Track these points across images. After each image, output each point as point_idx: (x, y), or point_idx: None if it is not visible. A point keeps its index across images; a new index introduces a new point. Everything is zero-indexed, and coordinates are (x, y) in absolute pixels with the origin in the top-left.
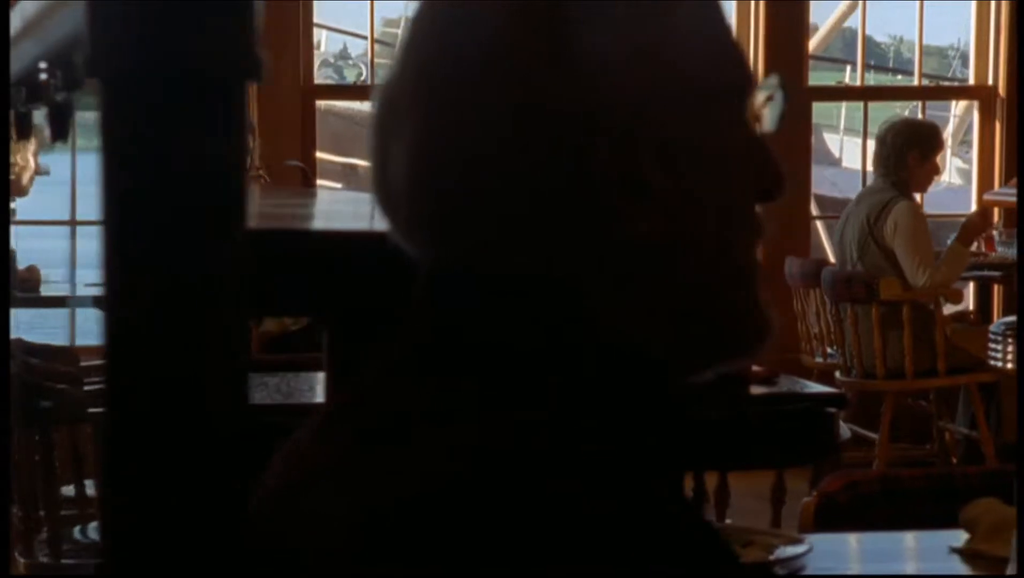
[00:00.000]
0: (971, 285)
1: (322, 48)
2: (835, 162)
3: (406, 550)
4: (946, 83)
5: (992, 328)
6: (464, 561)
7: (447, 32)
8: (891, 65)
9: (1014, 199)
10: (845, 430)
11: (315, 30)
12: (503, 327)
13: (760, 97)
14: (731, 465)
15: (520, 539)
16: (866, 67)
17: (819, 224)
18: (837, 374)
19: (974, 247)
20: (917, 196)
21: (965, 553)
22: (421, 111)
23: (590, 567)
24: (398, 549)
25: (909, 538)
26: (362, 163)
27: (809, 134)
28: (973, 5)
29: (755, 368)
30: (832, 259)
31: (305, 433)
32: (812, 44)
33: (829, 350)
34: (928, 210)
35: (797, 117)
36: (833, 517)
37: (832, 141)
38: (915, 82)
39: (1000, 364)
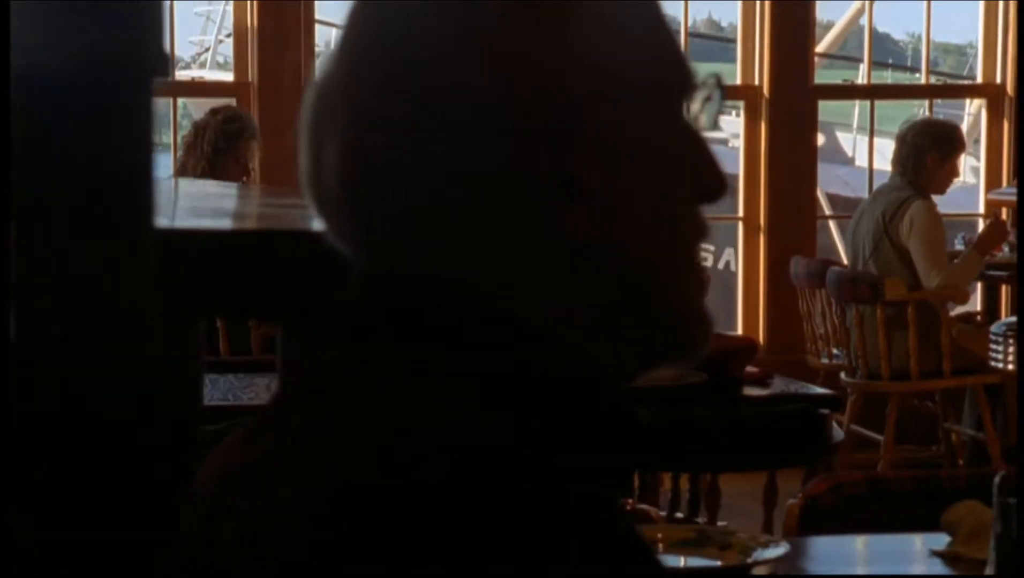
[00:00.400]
0: (979, 286)
1: (331, 46)
2: (848, 161)
3: (339, 548)
4: (963, 81)
5: (993, 329)
6: (399, 556)
7: (381, 31)
8: (908, 64)
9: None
10: (839, 431)
11: (320, 28)
12: (437, 327)
13: (699, 96)
14: (723, 466)
15: (449, 533)
16: (884, 65)
17: (832, 223)
18: (842, 375)
19: None
20: (934, 196)
21: (946, 556)
22: (353, 110)
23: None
24: (332, 547)
25: (890, 541)
26: None
27: (815, 133)
28: (981, 4)
29: (749, 369)
30: (844, 259)
31: (239, 434)
32: (826, 42)
33: (835, 351)
34: (942, 209)
35: (803, 116)
36: (818, 519)
37: (845, 140)
38: (943, 80)
39: (1001, 365)
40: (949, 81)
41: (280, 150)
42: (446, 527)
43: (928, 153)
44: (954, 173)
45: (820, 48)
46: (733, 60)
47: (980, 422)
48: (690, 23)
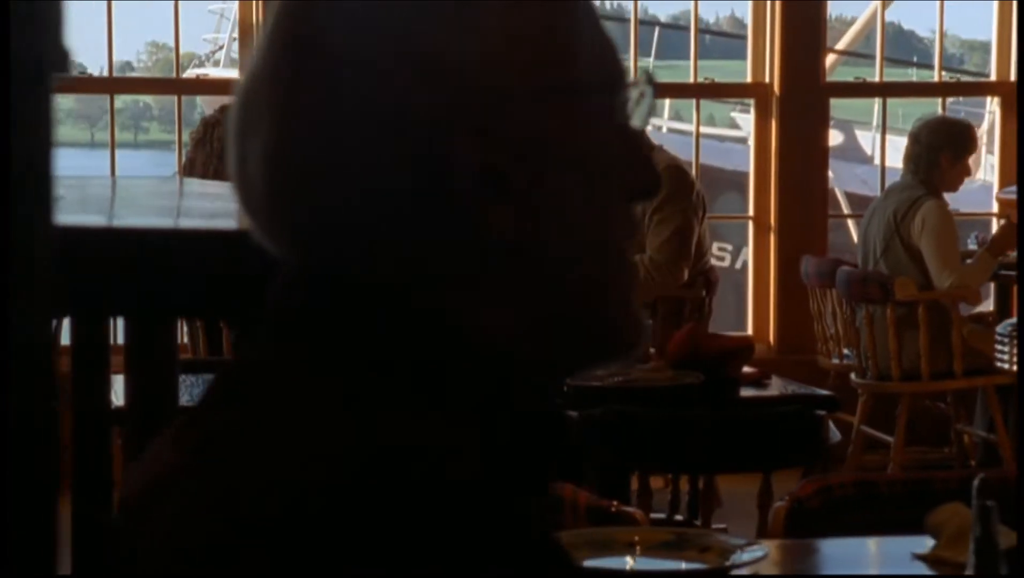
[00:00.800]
0: (991, 286)
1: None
2: (867, 160)
3: (261, 553)
4: (982, 79)
5: (998, 329)
6: (316, 562)
7: (306, 28)
8: (933, 61)
9: None
10: (835, 433)
11: None
12: (357, 328)
13: (631, 94)
14: (717, 468)
15: (352, 538)
16: (908, 63)
17: (850, 223)
18: (852, 376)
19: None
20: (946, 195)
21: (928, 559)
22: (277, 108)
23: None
24: (253, 552)
25: (873, 544)
26: None
27: (826, 130)
28: (995, 2)
29: (747, 369)
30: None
31: (168, 435)
32: (847, 39)
33: (845, 351)
34: (962, 208)
35: (814, 113)
36: (805, 522)
37: (864, 139)
38: (955, 78)
39: (1007, 365)
40: (969, 79)
41: None
42: (347, 532)
43: (942, 152)
44: (966, 172)
45: (841, 45)
46: None
47: (992, 423)
48: (713, 20)
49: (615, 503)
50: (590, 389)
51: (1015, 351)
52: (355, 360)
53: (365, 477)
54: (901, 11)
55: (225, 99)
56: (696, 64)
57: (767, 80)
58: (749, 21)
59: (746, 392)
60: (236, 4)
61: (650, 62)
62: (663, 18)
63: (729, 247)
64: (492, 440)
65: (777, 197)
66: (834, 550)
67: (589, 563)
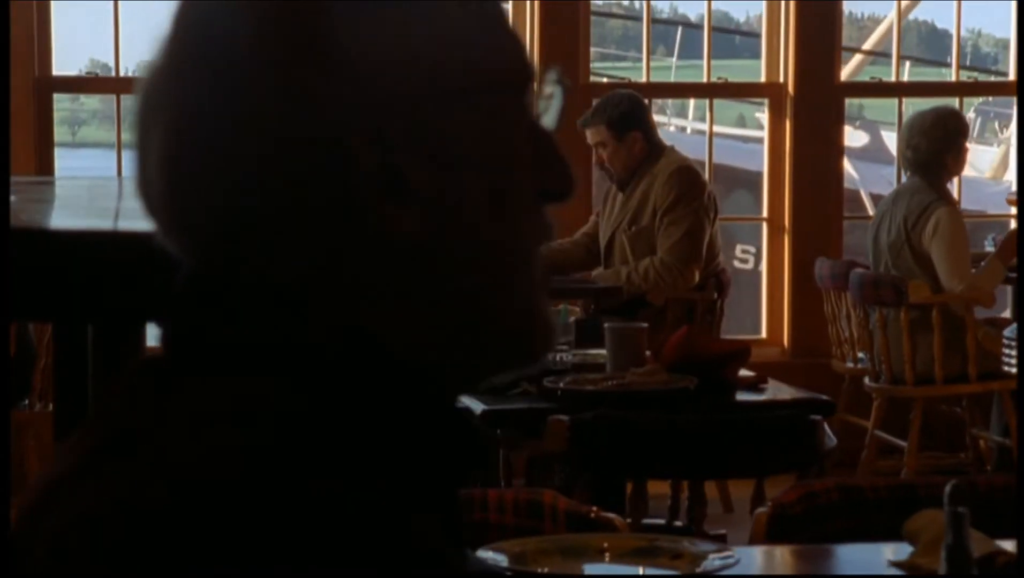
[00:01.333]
0: (1008, 289)
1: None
2: (893, 161)
3: (150, 554)
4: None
5: (1006, 333)
6: (201, 562)
7: (204, 26)
8: (968, 62)
9: None
10: (831, 438)
11: None
12: (259, 332)
13: (541, 92)
14: (710, 473)
15: (249, 542)
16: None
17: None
18: (866, 380)
19: None
20: (968, 196)
21: (904, 566)
22: (174, 109)
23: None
24: (141, 554)
25: (851, 550)
26: None
27: (840, 129)
28: (1014, 1)
29: (744, 373)
30: None
31: (72, 439)
32: (875, 38)
33: (860, 355)
34: (975, 207)
35: (829, 113)
36: (788, 528)
37: (890, 140)
38: (973, 77)
39: (1014, 369)
40: (994, 78)
41: None
42: (231, 535)
43: (946, 154)
44: (965, 158)
45: (868, 45)
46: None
47: (1008, 428)
48: (743, 20)
49: (595, 509)
50: (583, 393)
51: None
52: (249, 363)
53: (247, 482)
54: (935, 10)
55: None
56: (709, 64)
57: (781, 80)
58: (763, 20)
59: (742, 396)
60: None
61: (673, 61)
62: (692, 17)
63: (752, 249)
64: (392, 445)
65: (791, 198)
66: (811, 556)
67: (552, 570)
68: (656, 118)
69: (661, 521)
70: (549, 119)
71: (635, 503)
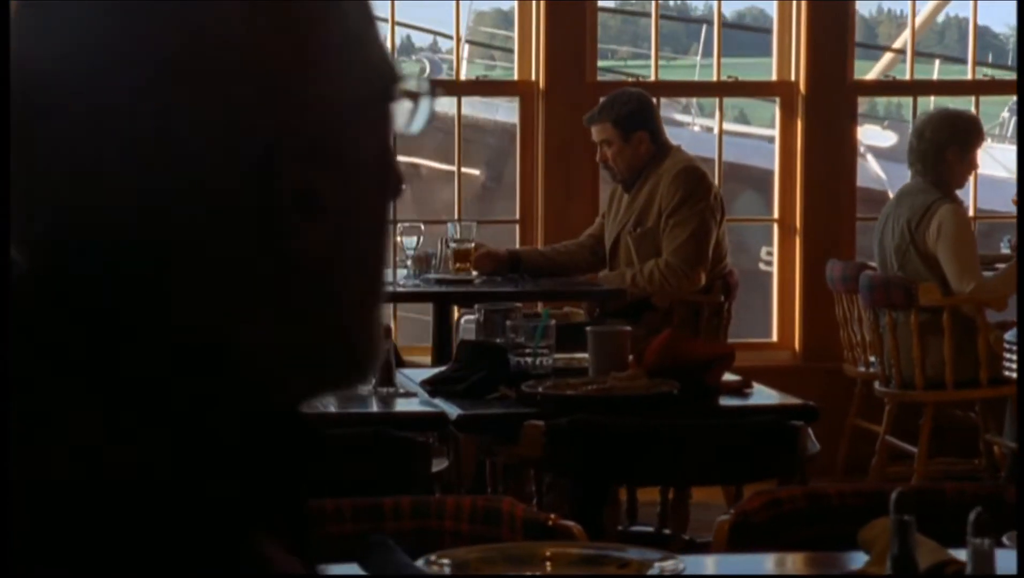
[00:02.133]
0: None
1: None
2: None
3: None
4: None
5: (1007, 336)
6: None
7: (90, 28)
8: (1009, 61)
9: None
10: (815, 444)
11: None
12: (96, 342)
13: (408, 98)
14: (686, 480)
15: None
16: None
17: None
18: (876, 384)
19: None
20: (959, 193)
21: (856, 576)
22: (65, 112)
23: None
24: None
25: (808, 559)
26: (425, 162)
27: (854, 129)
28: None
29: (728, 378)
30: None
31: None
32: (905, 37)
33: (872, 359)
34: (993, 208)
35: (841, 112)
36: (752, 536)
37: None
38: (989, 76)
39: (1015, 374)
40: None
41: None
42: (43, 541)
43: (947, 148)
44: (974, 166)
45: (899, 44)
46: None
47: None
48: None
49: (553, 517)
50: (562, 398)
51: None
52: (78, 383)
53: (64, 490)
54: (969, 7)
55: None
56: (719, 62)
57: (792, 78)
58: (774, 17)
59: (726, 401)
60: None
61: (696, 60)
62: (729, 16)
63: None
64: (227, 469)
65: (803, 198)
66: (762, 565)
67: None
68: (679, 117)
69: (650, 529)
70: (416, 125)
71: (611, 509)
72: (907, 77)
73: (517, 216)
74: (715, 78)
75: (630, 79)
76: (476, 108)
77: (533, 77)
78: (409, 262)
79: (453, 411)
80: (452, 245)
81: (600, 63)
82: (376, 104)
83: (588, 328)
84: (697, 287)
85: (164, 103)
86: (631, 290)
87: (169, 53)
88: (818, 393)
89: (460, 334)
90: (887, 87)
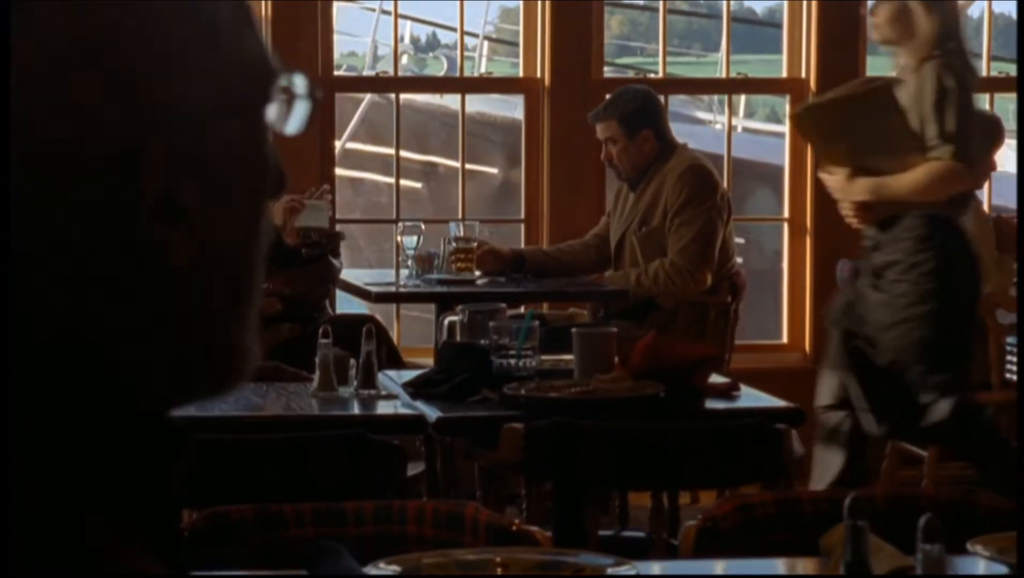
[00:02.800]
0: None
1: (406, 39)
2: None
3: None
4: None
5: (1009, 339)
6: None
7: None
8: None
9: None
10: (799, 447)
11: (339, 17)
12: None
13: (285, 98)
14: (667, 484)
15: None
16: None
17: None
18: None
19: None
20: (984, 190)
21: None
22: None
23: None
24: None
25: (768, 565)
26: (443, 161)
27: None
28: None
29: (715, 380)
30: None
31: None
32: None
33: None
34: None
35: None
36: (721, 542)
37: None
38: (1005, 72)
39: (1016, 377)
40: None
41: (297, 144)
42: None
43: None
44: (992, 167)
45: None
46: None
47: None
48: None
49: (516, 522)
50: (545, 400)
51: None
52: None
53: None
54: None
55: None
56: (728, 58)
57: (803, 75)
58: (784, 14)
59: (712, 404)
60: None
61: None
62: (760, 12)
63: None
64: (85, 462)
65: (813, 197)
66: (720, 571)
67: None
68: (702, 115)
69: (641, 534)
70: (293, 126)
71: (594, 514)
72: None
73: (522, 215)
74: (724, 74)
75: (636, 75)
76: (495, 106)
77: (538, 74)
78: (411, 262)
79: (433, 414)
80: (454, 244)
81: (630, 60)
82: (248, 106)
83: (574, 330)
84: (703, 288)
85: (28, 104)
86: (635, 290)
87: (29, 55)
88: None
89: (443, 335)
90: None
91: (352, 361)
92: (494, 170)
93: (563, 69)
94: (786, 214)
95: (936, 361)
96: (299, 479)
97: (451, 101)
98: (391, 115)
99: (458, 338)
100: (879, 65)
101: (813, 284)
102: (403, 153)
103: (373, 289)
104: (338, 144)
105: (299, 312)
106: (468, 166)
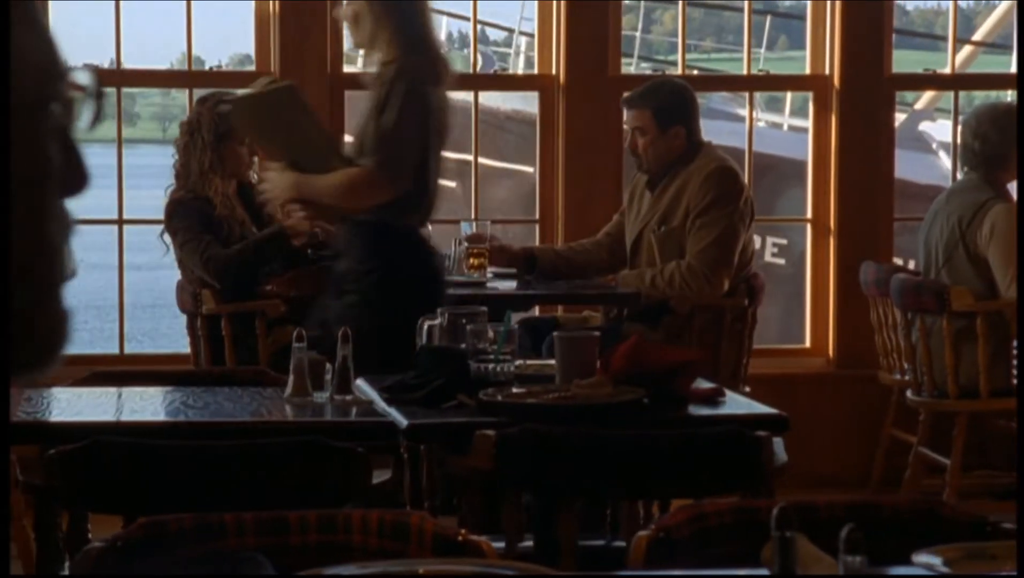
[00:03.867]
0: None
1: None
2: None
3: None
4: None
5: (1016, 345)
6: None
7: None
8: None
9: None
10: (782, 455)
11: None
12: None
13: (78, 96)
14: (638, 493)
15: None
16: None
17: None
18: (908, 393)
19: None
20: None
21: None
22: None
23: None
24: None
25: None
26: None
27: (892, 123)
28: None
29: (700, 386)
30: None
31: None
32: (985, 29)
33: (906, 366)
34: None
35: (878, 107)
36: (673, 553)
37: None
38: None
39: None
40: None
41: None
42: None
43: (1012, 147)
44: None
45: (979, 36)
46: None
47: None
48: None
49: (463, 532)
50: (522, 406)
51: None
52: None
53: None
54: None
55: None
56: (750, 55)
57: (826, 72)
58: (808, 7)
59: (694, 410)
60: None
61: (761, 52)
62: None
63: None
64: None
65: (837, 197)
66: None
67: None
68: (740, 112)
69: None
70: (83, 123)
71: (568, 523)
72: (947, 70)
73: (537, 215)
74: (745, 71)
75: (656, 72)
76: (531, 104)
77: (553, 71)
78: None
79: (404, 420)
80: (466, 245)
81: (683, 56)
82: (33, 106)
83: (555, 333)
84: (719, 293)
85: None
86: (648, 292)
87: None
88: (852, 402)
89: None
90: (926, 80)
91: (329, 366)
92: (530, 169)
93: (579, 66)
94: (809, 214)
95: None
96: (255, 487)
97: (489, 99)
98: None
99: (437, 342)
100: (908, 60)
101: (837, 287)
102: None
103: None
104: None
105: (305, 315)
106: (505, 165)
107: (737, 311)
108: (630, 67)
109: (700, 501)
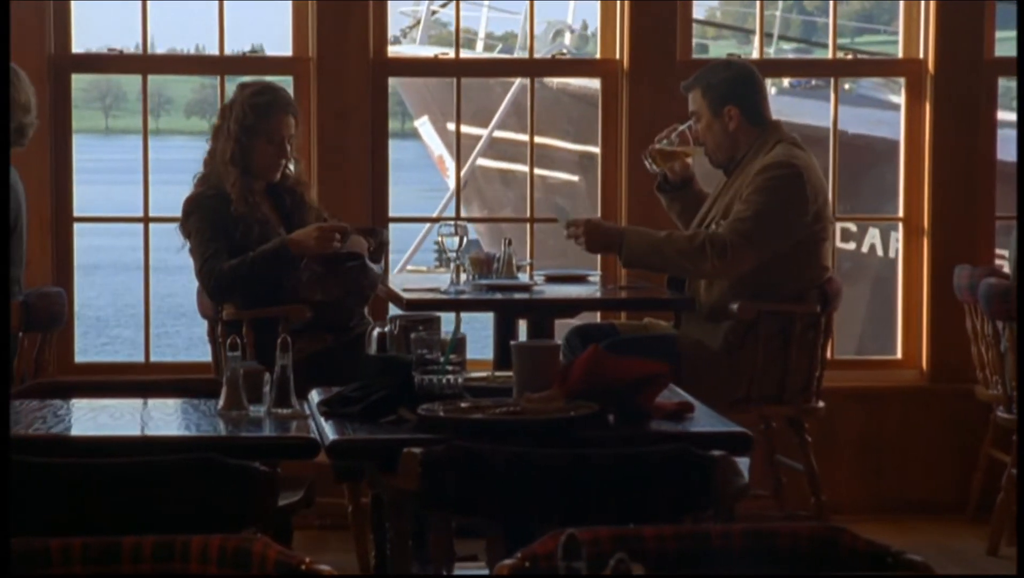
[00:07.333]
0: None
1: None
2: None
3: None
4: None
5: None
6: None
7: None
8: None
9: None
10: (743, 477)
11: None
12: None
13: None
14: (577, 518)
15: None
16: None
17: None
18: (999, 409)
19: None
20: None
21: None
22: None
23: None
24: None
25: None
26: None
27: (994, 112)
28: None
29: (665, 401)
30: None
31: None
32: None
33: (996, 379)
34: None
35: (977, 95)
36: None
37: None
38: None
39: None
40: None
41: (340, 132)
42: None
43: None
44: None
45: None
46: None
47: None
48: None
49: (307, 560)
50: (460, 421)
51: None
52: None
53: None
54: None
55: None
56: (835, 39)
57: (920, 56)
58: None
59: (658, 426)
60: None
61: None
62: None
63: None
64: None
65: (931, 195)
66: None
67: None
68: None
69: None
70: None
71: (493, 548)
72: None
73: (598, 211)
74: (830, 55)
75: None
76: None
77: (617, 55)
78: (457, 264)
79: (328, 435)
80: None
81: (871, 39)
82: None
83: (512, 343)
84: (733, 272)
85: None
86: (673, 260)
87: None
88: (947, 418)
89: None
90: None
91: (267, 377)
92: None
93: (644, 50)
94: (900, 213)
95: None
96: (143, 507)
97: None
98: (547, 101)
99: (388, 351)
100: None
101: (930, 293)
102: (554, 142)
103: (407, 296)
104: (484, 132)
105: (333, 320)
106: (582, 147)
107: (808, 318)
108: (769, 49)
109: (583, 527)
